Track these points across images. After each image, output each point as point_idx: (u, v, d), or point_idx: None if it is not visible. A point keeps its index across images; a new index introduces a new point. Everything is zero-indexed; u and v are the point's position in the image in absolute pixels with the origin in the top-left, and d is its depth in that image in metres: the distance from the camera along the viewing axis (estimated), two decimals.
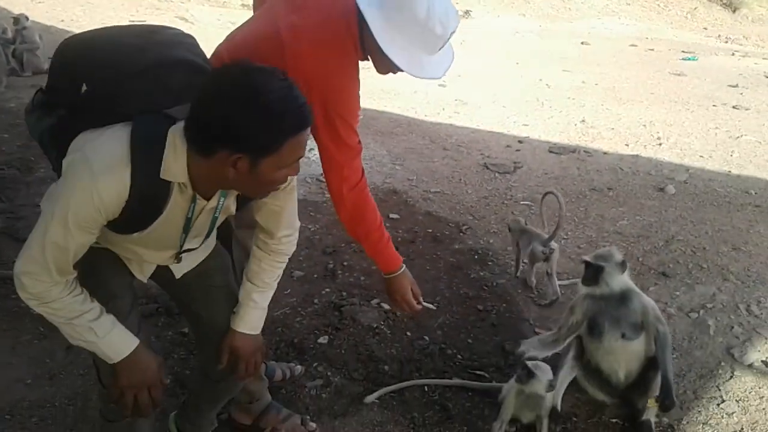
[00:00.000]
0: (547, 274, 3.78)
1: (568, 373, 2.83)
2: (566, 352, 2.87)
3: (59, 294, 1.54)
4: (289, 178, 1.61)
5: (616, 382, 2.81)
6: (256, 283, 1.90)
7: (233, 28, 2.32)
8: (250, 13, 2.36)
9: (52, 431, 2.49)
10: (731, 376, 3.18)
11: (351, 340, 3.21)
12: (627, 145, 6.92)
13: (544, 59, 12.20)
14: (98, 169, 1.41)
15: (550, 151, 6.58)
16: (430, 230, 4.57)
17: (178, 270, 1.87)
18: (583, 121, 7.83)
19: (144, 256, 1.76)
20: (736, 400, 3.01)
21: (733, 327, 3.57)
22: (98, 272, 1.70)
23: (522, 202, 5.21)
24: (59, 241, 1.46)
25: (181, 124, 1.46)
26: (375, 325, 3.37)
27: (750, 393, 3.07)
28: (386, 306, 3.53)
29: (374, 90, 8.08)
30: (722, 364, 3.27)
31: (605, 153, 6.62)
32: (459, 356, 3.20)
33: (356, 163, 2.18)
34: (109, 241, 1.67)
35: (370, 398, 2.82)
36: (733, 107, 8.88)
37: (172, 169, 1.47)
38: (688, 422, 2.86)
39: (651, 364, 2.78)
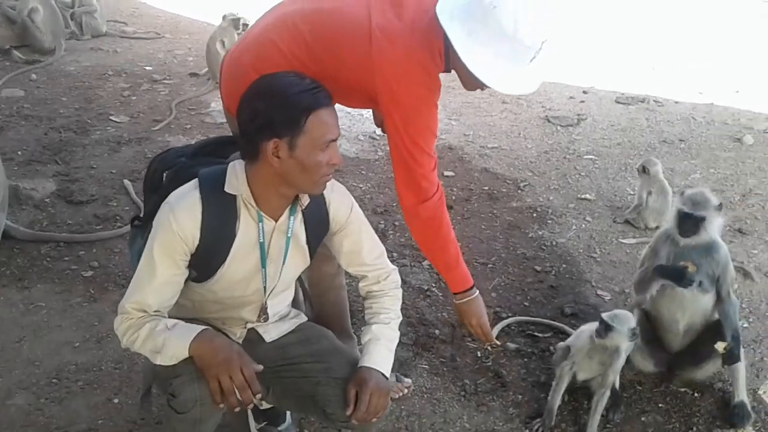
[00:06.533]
0: None
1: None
2: None
3: (145, 321, 1.69)
4: (337, 201, 1.86)
5: (671, 342, 2.61)
6: (373, 321, 1.96)
7: None
8: None
9: (98, 395, 2.48)
10: None
11: (401, 303, 3.07)
12: (701, 93, 6.46)
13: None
14: (173, 201, 1.69)
15: (617, 102, 6.21)
16: (486, 187, 4.38)
17: (267, 333, 1.96)
18: (654, 68, 7.37)
19: (230, 311, 1.88)
20: None
21: None
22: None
23: (585, 157, 4.94)
24: (146, 272, 1.68)
25: (237, 156, 1.76)
26: (426, 287, 3.23)
27: None
28: None
29: None
30: None
31: (677, 102, 6.20)
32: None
33: (434, 175, 2.10)
34: (197, 306, 1.86)
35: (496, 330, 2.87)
36: None
37: (233, 183, 1.70)
38: (765, 392, 2.64)
39: (708, 332, 2.57)
